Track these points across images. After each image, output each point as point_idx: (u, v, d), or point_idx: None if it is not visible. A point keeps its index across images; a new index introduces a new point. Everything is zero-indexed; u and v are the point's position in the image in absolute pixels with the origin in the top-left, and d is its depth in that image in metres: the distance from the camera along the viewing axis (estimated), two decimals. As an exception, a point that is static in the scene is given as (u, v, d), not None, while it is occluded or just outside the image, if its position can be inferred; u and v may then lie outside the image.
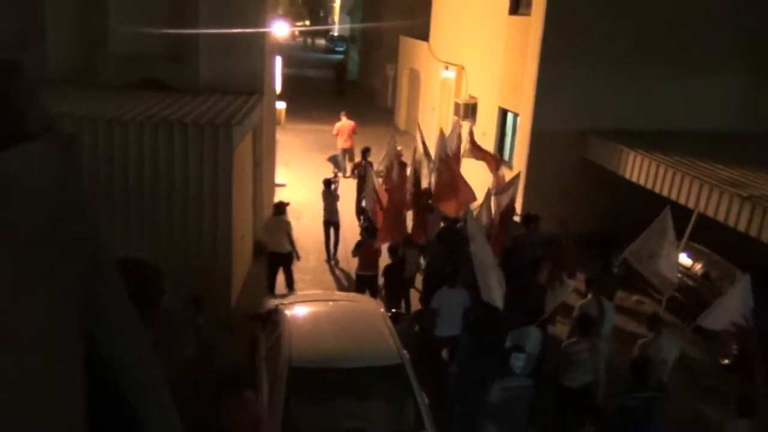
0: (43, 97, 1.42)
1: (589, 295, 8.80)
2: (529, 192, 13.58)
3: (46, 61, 11.78)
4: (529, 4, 14.48)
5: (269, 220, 11.77)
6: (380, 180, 12.59)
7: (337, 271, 12.64)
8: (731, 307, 7.82)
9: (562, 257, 9.13)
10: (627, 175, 12.56)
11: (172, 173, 9.58)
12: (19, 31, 11.54)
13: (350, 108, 20.35)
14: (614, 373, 8.17)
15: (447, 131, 13.52)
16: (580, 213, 12.17)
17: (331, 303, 8.73)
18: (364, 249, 10.51)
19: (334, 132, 18.78)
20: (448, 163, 12.03)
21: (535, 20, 13.94)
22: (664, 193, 11.48)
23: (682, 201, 11.00)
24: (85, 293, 1.29)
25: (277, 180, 16.31)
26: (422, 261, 10.92)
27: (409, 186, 11.80)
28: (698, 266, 11.01)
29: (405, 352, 7.20)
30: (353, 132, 18.58)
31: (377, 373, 6.86)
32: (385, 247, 10.72)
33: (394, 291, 10.00)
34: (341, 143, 18.43)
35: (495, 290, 8.35)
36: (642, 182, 12.10)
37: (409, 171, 12.38)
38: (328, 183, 12.91)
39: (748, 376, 7.36)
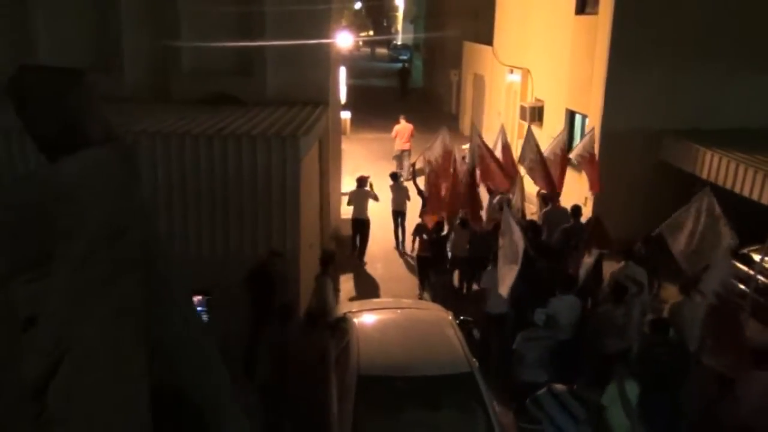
0: (108, 111, 1.44)
1: (623, 263, 9.25)
2: (599, 193, 13.24)
3: (123, 82, 12.31)
4: (596, 3, 14.15)
5: (352, 192, 13.62)
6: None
7: (404, 279, 12.67)
8: (716, 275, 7.89)
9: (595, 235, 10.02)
10: (705, 176, 12.06)
11: (242, 184, 9.78)
12: (102, 56, 12.12)
13: (415, 114, 20.42)
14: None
15: (511, 135, 13.72)
16: (653, 214, 11.75)
17: (398, 311, 8.71)
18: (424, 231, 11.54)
19: (393, 134, 19.39)
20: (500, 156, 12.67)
21: (603, 19, 13.60)
22: (745, 193, 10.96)
23: (765, 201, 10.48)
24: (147, 304, 1.30)
25: (344, 189, 16.43)
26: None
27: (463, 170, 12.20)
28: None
29: (474, 360, 7.09)
30: (411, 135, 19.09)
31: (446, 382, 6.77)
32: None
33: (433, 264, 11.13)
34: (399, 145, 19.01)
35: (506, 284, 8.62)
36: (721, 182, 11.59)
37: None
38: (395, 176, 14.13)
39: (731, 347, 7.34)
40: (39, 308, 1.01)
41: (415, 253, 12.06)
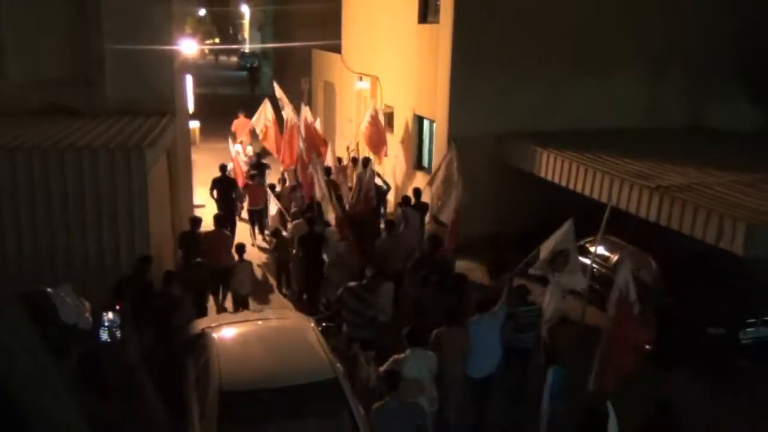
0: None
1: (399, 210, 12.54)
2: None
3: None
4: (437, 12, 14.71)
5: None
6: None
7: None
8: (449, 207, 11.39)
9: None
10: (542, 174, 12.91)
11: (84, 201, 9.20)
12: None
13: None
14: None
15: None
16: (499, 212, 12.46)
17: (259, 322, 8.56)
18: (252, 190, 14.94)
19: (233, 128, 20.00)
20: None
21: (444, 28, 14.18)
22: (578, 189, 11.86)
23: (595, 196, 11.40)
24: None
25: (196, 201, 15.94)
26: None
27: None
28: (614, 257, 11.41)
29: (339, 365, 7.13)
30: (251, 130, 19.01)
31: (311, 390, 6.73)
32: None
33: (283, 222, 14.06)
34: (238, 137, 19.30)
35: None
36: (556, 180, 12.46)
37: None
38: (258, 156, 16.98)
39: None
40: None
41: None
